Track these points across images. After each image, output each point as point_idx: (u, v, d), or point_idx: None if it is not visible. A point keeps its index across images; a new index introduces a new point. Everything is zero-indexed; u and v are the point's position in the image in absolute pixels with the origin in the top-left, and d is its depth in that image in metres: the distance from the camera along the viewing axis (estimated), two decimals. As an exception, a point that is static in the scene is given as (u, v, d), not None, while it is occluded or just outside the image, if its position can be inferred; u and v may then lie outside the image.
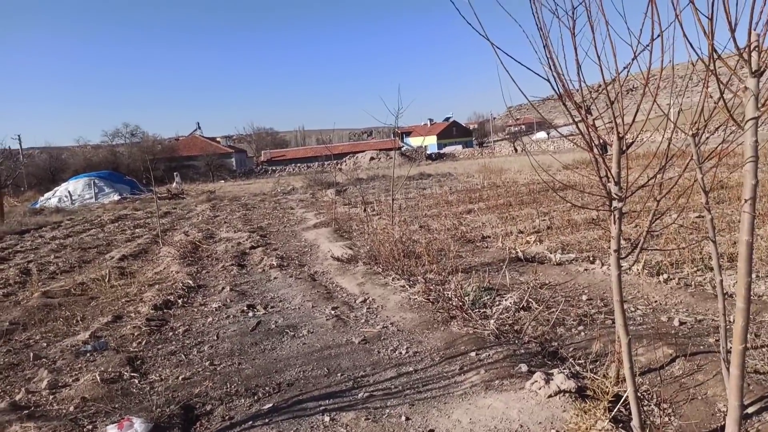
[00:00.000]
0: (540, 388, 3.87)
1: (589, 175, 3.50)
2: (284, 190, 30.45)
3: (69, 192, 33.39)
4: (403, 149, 70.16)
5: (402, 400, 4.16)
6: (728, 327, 3.29)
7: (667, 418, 3.56)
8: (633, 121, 2.73)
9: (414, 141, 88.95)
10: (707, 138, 3.06)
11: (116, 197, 32.31)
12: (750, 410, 3.45)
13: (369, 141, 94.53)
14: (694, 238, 8.16)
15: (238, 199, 26.94)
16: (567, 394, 3.78)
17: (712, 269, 6.27)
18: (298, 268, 9.50)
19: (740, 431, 2.61)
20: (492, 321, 5.43)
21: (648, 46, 2.47)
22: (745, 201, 2.34)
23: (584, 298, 6.26)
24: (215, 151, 65.21)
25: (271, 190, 31.81)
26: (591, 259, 7.83)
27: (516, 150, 63.84)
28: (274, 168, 67.30)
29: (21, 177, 44.67)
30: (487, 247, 9.68)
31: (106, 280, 8.98)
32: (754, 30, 2.19)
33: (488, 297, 6.17)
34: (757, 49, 2.20)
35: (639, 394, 3.44)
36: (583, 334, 5.18)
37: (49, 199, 33.52)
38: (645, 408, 3.68)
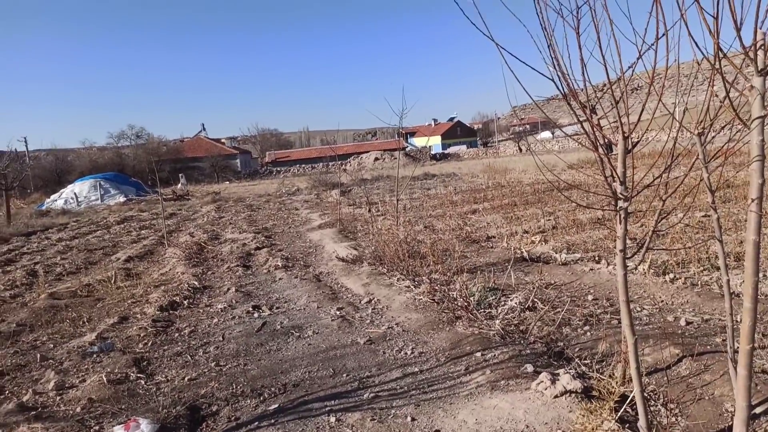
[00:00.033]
0: (546, 389, 3.86)
1: (594, 174, 3.49)
2: (289, 190, 30.49)
3: (75, 194, 33.54)
4: (407, 149, 70.13)
5: (407, 400, 4.16)
6: (735, 327, 3.27)
7: (674, 419, 3.55)
8: (638, 120, 2.72)
9: (418, 141, 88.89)
10: (713, 137, 3.05)
11: (122, 199, 32.43)
12: (758, 410, 3.43)
13: (373, 141, 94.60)
14: (700, 238, 8.13)
15: (243, 200, 26.99)
16: (573, 395, 3.77)
17: (718, 269, 6.24)
18: (303, 268, 9.51)
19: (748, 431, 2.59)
20: (497, 321, 5.42)
21: (653, 45, 2.47)
22: (752, 200, 2.32)
23: (590, 298, 6.24)
24: (220, 153, 65.36)
25: (275, 190, 31.87)
26: (596, 258, 7.81)
27: (520, 150, 63.75)
28: (278, 169, 67.41)
29: (27, 179, 44.87)
30: (492, 247, 9.66)
31: (112, 281, 9.02)
32: (760, 28, 2.18)
33: (493, 297, 6.16)
34: (763, 47, 2.19)
35: (645, 395, 3.43)
36: (588, 334, 5.16)
37: (56, 201, 33.69)
38: (652, 408, 3.67)
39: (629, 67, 2.59)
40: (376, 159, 61.23)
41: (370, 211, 13.96)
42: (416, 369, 4.75)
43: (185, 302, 7.65)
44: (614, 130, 2.73)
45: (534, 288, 6.23)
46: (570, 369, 4.16)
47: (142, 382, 4.96)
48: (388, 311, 6.51)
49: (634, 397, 3.00)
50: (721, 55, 2.33)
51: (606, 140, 2.78)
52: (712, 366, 4.08)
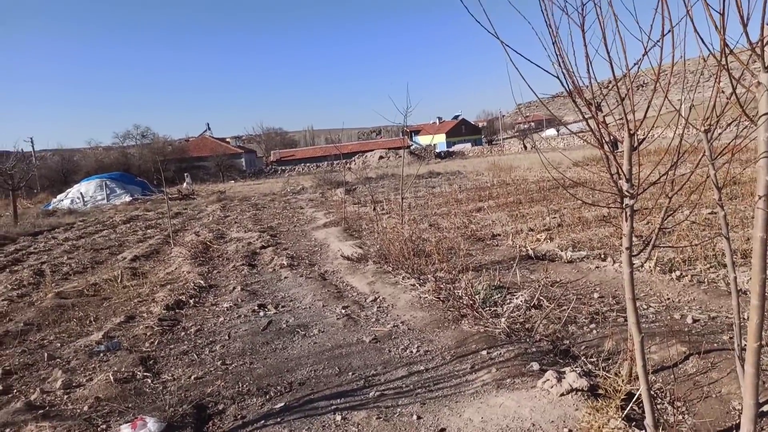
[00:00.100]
0: (552, 387, 3.86)
1: (600, 172, 3.48)
2: (294, 189, 30.53)
3: (81, 193, 33.68)
4: (412, 148, 70.03)
5: (413, 399, 4.16)
6: (742, 324, 3.26)
7: (680, 417, 3.54)
8: (644, 117, 2.71)
9: (423, 139, 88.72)
10: (719, 134, 3.03)
11: (128, 198, 32.55)
12: (765, 408, 3.42)
13: (378, 140, 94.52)
14: (706, 235, 8.09)
15: (248, 199, 27.05)
16: (579, 393, 3.77)
17: (725, 266, 6.21)
18: (308, 267, 9.52)
19: (756, 430, 2.58)
20: (503, 319, 5.41)
21: (659, 41, 2.46)
22: (759, 197, 2.31)
23: (596, 295, 6.23)
24: (225, 152, 65.47)
25: (280, 189, 31.91)
26: (602, 256, 7.78)
27: (525, 147, 63.60)
28: (283, 168, 67.47)
29: (34, 179, 45.13)
30: (497, 246, 9.65)
31: (119, 280, 9.06)
32: (767, 24, 2.16)
33: (499, 295, 6.15)
34: (770, 43, 2.18)
35: (652, 392, 3.42)
36: (595, 332, 5.15)
37: (62, 200, 33.84)
38: (658, 406, 3.66)
39: (635, 64, 2.58)
40: (381, 157, 61.20)
41: (374, 209, 13.97)
42: (422, 367, 4.75)
43: (191, 301, 7.68)
44: (620, 127, 2.72)
45: (540, 286, 6.22)
46: (576, 367, 4.16)
47: (149, 380, 4.98)
48: (393, 310, 6.51)
49: (640, 395, 3.00)
50: (727, 52, 2.32)
51: (611, 137, 2.77)
52: (719, 364, 4.06)
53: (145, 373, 5.11)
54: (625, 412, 3.37)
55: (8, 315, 7.73)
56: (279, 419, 4.02)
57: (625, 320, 5.08)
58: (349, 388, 4.48)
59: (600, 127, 2.71)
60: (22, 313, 7.69)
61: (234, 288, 8.29)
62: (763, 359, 3.85)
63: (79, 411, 4.39)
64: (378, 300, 6.96)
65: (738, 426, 2.75)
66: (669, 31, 2.41)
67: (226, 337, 6.08)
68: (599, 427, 3.30)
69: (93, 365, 5.45)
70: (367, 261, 9.00)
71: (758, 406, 2.57)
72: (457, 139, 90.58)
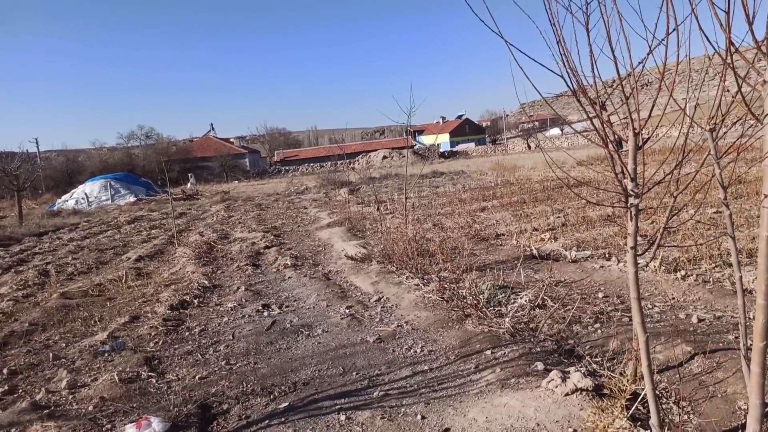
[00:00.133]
0: (556, 387, 3.85)
1: (604, 171, 3.47)
2: (297, 189, 30.56)
3: (86, 194, 33.81)
4: (415, 147, 70.07)
5: (417, 398, 4.16)
6: (748, 324, 3.24)
7: (686, 416, 3.52)
8: (649, 116, 2.70)
9: (427, 139, 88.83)
10: (725, 133, 3.02)
11: (132, 199, 32.65)
12: (771, 408, 3.40)
13: (381, 140, 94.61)
14: (712, 234, 8.06)
15: (252, 200, 27.09)
16: (584, 393, 3.76)
17: (730, 265, 6.19)
18: (312, 267, 9.53)
19: (762, 430, 2.57)
20: (507, 319, 5.40)
21: (663, 40, 2.44)
22: (765, 196, 2.30)
23: (600, 295, 6.21)
24: (229, 152, 65.64)
25: (284, 189, 31.96)
26: (607, 256, 7.76)
27: (529, 147, 63.51)
28: (287, 168, 67.62)
29: (38, 180, 45.32)
30: (501, 245, 9.64)
31: (123, 280, 9.08)
32: (773, 22, 2.15)
33: (503, 295, 6.14)
34: (775, 41, 2.17)
35: (657, 392, 3.40)
36: (599, 331, 5.13)
37: (67, 201, 33.98)
38: (663, 406, 3.65)
39: (639, 63, 2.57)
40: (385, 157, 61.22)
41: (378, 209, 13.96)
42: (426, 367, 4.75)
43: (195, 301, 7.70)
44: (624, 127, 2.71)
45: (544, 286, 6.21)
46: (581, 367, 4.14)
47: (154, 380, 4.99)
48: (397, 309, 6.51)
49: (645, 394, 2.98)
50: (732, 50, 2.31)
51: (616, 136, 2.76)
52: (724, 363, 4.05)
53: (149, 373, 5.12)
54: (630, 411, 3.36)
55: (13, 315, 7.76)
56: (283, 419, 4.03)
57: (630, 320, 5.07)
58: (353, 387, 4.48)
59: (604, 126, 2.70)
60: (27, 314, 7.72)
61: (238, 288, 8.30)
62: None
63: (84, 411, 4.41)
64: (382, 300, 6.96)
65: (744, 426, 2.74)
66: (674, 29, 2.40)
67: (231, 337, 6.09)
68: (604, 427, 3.29)
69: (98, 365, 5.46)
70: (371, 261, 9.00)
71: (764, 406, 2.55)
72: (461, 138, 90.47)
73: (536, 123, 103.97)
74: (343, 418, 3.95)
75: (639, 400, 3.41)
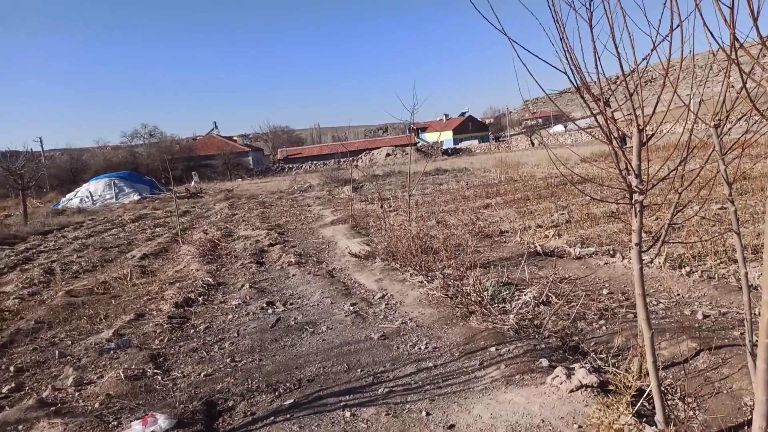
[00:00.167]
0: (561, 383, 3.85)
1: (608, 167, 3.46)
2: (301, 187, 30.60)
3: (90, 192, 33.92)
4: (418, 145, 70.01)
5: (422, 395, 4.16)
6: (754, 320, 3.24)
7: (691, 412, 3.52)
8: (653, 112, 2.69)
9: (430, 136, 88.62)
10: (729, 129, 3.01)
11: (136, 197, 32.75)
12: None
13: (384, 137, 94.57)
14: (716, 230, 8.04)
15: (255, 198, 27.14)
16: (589, 389, 3.76)
17: (735, 261, 6.17)
18: (316, 264, 9.54)
19: None
20: (511, 316, 5.41)
21: (667, 36, 2.44)
22: (770, 192, 2.29)
23: (605, 292, 6.20)
24: (232, 150, 65.70)
25: (288, 187, 31.99)
26: (611, 252, 7.75)
27: (533, 144, 63.35)
28: (290, 166, 67.64)
29: (43, 178, 45.51)
30: (505, 242, 9.63)
31: (128, 278, 9.12)
32: (778, 17, 2.14)
33: (507, 292, 6.14)
34: (780, 36, 2.16)
35: (662, 388, 3.41)
36: (604, 328, 5.13)
37: (71, 199, 34.10)
38: (669, 402, 3.64)
39: (643, 59, 2.57)
40: (388, 155, 61.18)
41: (382, 207, 13.97)
42: (430, 364, 4.76)
43: (200, 299, 7.72)
44: (628, 123, 2.71)
45: (548, 282, 6.21)
46: (585, 363, 4.15)
47: (159, 377, 5.01)
48: (401, 306, 6.52)
49: (650, 391, 2.99)
50: (737, 46, 2.30)
51: (620, 133, 2.76)
52: (730, 359, 4.04)
53: (155, 371, 5.15)
54: (636, 408, 3.36)
55: (20, 313, 7.81)
56: (288, 416, 4.04)
57: (635, 316, 5.06)
58: (357, 384, 4.49)
59: (608, 122, 2.70)
60: (33, 312, 7.76)
61: (242, 285, 8.33)
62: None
63: (90, 408, 4.43)
64: (386, 297, 6.97)
65: (750, 422, 2.74)
66: (678, 25, 2.39)
67: (235, 335, 6.11)
68: (609, 423, 3.29)
69: (103, 363, 5.49)
70: (374, 258, 9.01)
71: (770, 402, 2.55)
72: (464, 135, 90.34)
73: (540, 120, 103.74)
74: (348, 414, 3.97)
75: (644, 396, 3.41)
